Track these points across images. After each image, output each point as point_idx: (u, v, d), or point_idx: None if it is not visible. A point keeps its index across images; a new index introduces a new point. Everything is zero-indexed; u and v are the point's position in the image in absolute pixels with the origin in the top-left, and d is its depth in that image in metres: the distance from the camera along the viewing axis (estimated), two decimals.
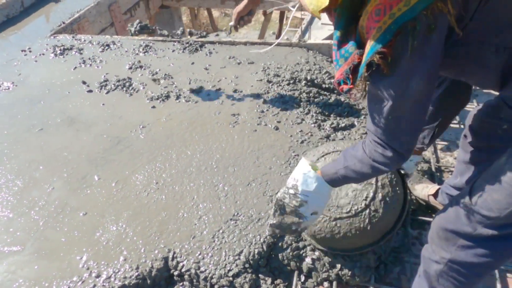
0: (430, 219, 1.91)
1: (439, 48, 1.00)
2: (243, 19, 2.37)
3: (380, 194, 1.65)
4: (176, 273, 1.76)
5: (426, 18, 0.92)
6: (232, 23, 2.42)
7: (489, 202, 1.05)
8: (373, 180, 1.67)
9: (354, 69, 1.06)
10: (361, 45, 1.05)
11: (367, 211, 1.63)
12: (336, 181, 1.32)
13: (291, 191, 1.36)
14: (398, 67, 0.98)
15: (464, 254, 1.14)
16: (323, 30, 7.16)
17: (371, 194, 1.65)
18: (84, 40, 3.80)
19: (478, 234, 1.10)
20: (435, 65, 1.01)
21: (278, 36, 6.56)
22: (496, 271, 1.67)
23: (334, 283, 1.68)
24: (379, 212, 1.63)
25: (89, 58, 3.46)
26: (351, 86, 1.09)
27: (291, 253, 1.74)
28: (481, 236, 1.09)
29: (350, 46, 1.06)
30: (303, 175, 1.34)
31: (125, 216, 2.01)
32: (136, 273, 1.73)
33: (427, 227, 1.90)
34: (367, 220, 1.61)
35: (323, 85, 2.83)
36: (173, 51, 3.48)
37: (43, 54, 3.64)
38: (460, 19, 0.98)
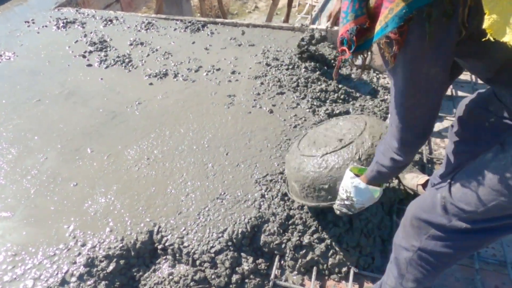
0: None
1: (455, 36, 0.91)
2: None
3: (368, 131, 1.64)
4: (160, 246, 1.79)
5: (443, 5, 0.85)
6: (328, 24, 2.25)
7: (469, 196, 1.04)
8: (362, 124, 1.69)
9: (360, 32, 0.98)
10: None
11: (354, 143, 1.61)
12: (375, 178, 1.32)
13: (347, 202, 1.44)
14: (411, 53, 0.91)
15: (434, 244, 1.14)
16: None
17: (358, 132, 1.65)
18: (88, 14, 3.80)
19: (452, 226, 1.09)
20: (450, 52, 0.94)
21: (286, 21, 6.47)
22: (477, 263, 1.68)
23: (314, 269, 1.70)
24: (367, 143, 1.60)
25: (91, 32, 3.46)
26: (349, 53, 1.00)
27: (274, 239, 1.75)
28: (454, 228, 1.09)
29: (365, 6, 0.97)
30: (354, 187, 1.39)
31: (115, 189, 2.03)
32: (121, 245, 1.77)
33: None
34: (354, 150, 1.59)
35: (323, 71, 2.81)
36: (175, 29, 3.46)
37: (46, 26, 3.64)
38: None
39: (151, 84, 2.80)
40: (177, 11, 7.12)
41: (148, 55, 3.13)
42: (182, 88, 2.74)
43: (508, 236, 1.79)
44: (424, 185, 1.90)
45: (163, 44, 3.27)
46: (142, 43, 3.27)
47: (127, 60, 3.06)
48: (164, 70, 2.90)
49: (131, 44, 3.27)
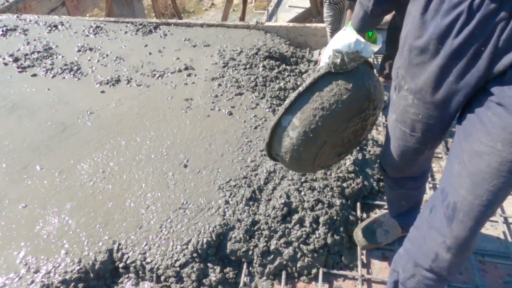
0: (381, 203, 1.93)
1: None
2: None
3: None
4: (121, 265, 1.69)
5: None
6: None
7: None
8: None
9: None
10: None
11: None
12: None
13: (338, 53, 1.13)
14: None
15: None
16: (290, 13, 7.09)
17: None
18: (30, 20, 3.56)
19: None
20: None
21: (242, 18, 6.42)
22: (473, 261, 1.68)
23: (283, 273, 1.67)
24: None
25: (35, 40, 3.25)
26: None
27: (240, 246, 1.70)
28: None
29: None
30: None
31: (68, 207, 1.91)
32: (78, 267, 1.65)
33: (376, 211, 1.93)
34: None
35: (281, 68, 2.78)
36: (126, 32, 3.32)
37: None
38: None
39: (102, 92, 2.66)
40: (129, 12, 6.88)
41: (98, 61, 2.97)
42: (137, 94, 2.62)
43: None
44: None
45: (113, 48, 3.12)
46: (91, 49, 3.11)
47: (75, 67, 2.89)
48: (116, 76, 2.77)
49: (79, 51, 3.10)
